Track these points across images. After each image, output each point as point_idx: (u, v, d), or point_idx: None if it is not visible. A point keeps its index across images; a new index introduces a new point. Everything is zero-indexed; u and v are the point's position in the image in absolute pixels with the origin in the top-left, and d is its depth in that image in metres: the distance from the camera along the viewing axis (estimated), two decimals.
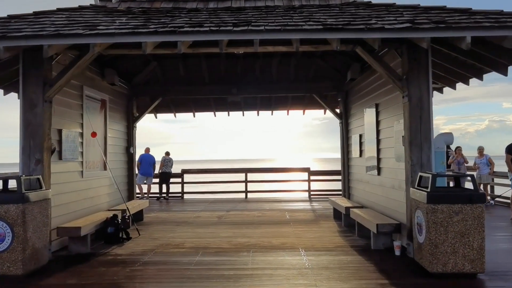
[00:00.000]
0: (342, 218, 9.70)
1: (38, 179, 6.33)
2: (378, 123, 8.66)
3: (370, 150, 9.19)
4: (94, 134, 8.71)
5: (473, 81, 10.09)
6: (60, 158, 7.55)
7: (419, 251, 5.86)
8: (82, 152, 8.53)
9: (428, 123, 6.49)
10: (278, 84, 11.63)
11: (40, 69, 6.64)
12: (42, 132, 6.66)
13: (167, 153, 16.96)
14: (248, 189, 16.79)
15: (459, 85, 10.39)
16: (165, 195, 16.52)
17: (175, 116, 13.55)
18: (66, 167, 7.82)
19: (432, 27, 5.38)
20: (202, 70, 11.35)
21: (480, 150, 13.25)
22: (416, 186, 6.11)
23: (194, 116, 13.54)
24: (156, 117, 13.56)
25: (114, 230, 8.03)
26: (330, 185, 18.15)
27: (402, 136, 6.97)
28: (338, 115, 11.71)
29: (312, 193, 16.57)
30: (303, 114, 13.54)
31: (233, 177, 17.63)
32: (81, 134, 8.53)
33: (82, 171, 8.51)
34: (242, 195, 16.84)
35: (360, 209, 8.78)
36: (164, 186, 16.56)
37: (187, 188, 17.48)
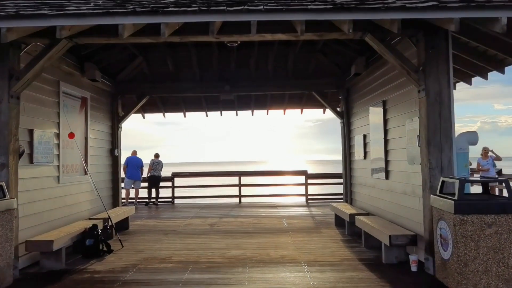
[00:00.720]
0: (346, 226, 8.90)
1: (1, 186, 5.45)
2: (385, 122, 7.88)
3: (377, 151, 8.41)
4: (71, 135, 7.84)
5: (461, 84, 9.39)
6: (31, 161, 6.67)
7: (443, 268, 5.05)
8: (58, 155, 7.65)
9: (449, 121, 5.71)
10: (274, 80, 10.81)
11: (5, 60, 5.77)
12: (8, 133, 5.79)
13: (156, 155, 16.07)
14: (242, 193, 15.96)
15: (461, 85, 9.69)
16: (154, 200, 15.63)
17: (164, 116, 12.68)
18: (38, 172, 6.94)
19: (462, 5, 4.58)
20: (193, 66, 10.51)
21: (485, 151, 12.55)
22: (438, 193, 5.31)
23: (184, 116, 12.69)
24: (143, 117, 12.68)
25: (93, 242, 7.15)
26: (328, 189, 17.39)
27: (418, 136, 6.18)
28: (339, 114, 10.92)
29: (309, 197, 15.77)
30: (301, 113, 12.73)
31: (226, 180, 16.79)
32: (57, 135, 7.65)
33: (58, 176, 7.63)
34: (236, 200, 15.99)
35: (367, 217, 7.98)
36: (153, 190, 15.68)
37: (177, 192, 16.59)
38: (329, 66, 10.48)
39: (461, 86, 7.67)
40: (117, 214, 9.13)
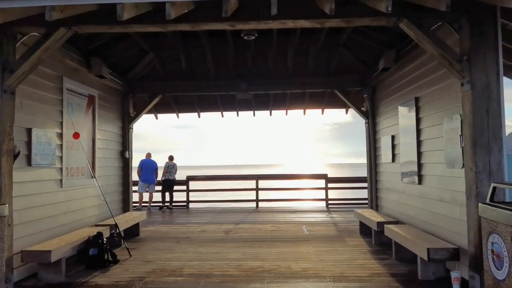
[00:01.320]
0: (373, 234, 8.15)
1: None
2: (418, 121, 7.12)
3: (407, 154, 7.65)
4: (76, 135, 7.28)
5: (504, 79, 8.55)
6: (28, 163, 6.12)
7: None
8: (61, 157, 7.10)
9: (498, 117, 4.94)
10: (294, 78, 10.12)
11: None
12: (1, 131, 5.23)
13: (171, 158, 15.51)
14: (259, 198, 15.27)
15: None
16: (168, 204, 15.07)
17: (177, 116, 12.08)
18: (37, 175, 6.38)
19: None
20: (207, 62, 9.89)
21: None
22: (488, 201, 4.55)
23: (199, 116, 12.07)
24: (156, 118, 12.11)
25: (97, 251, 6.56)
26: (350, 193, 16.62)
27: (460, 135, 5.43)
28: (363, 114, 10.16)
29: (330, 202, 15.01)
30: (322, 113, 11.99)
31: (242, 184, 16.10)
32: (60, 135, 7.10)
33: (61, 180, 7.07)
34: (253, 204, 15.31)
35: (397, 226, 7.22)
36: (167, 194, 15.13)
37: (192, 196, 16.00)
38: (353, 62, 9.75)
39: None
40: (126, 220, 8.55)
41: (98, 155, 8.60)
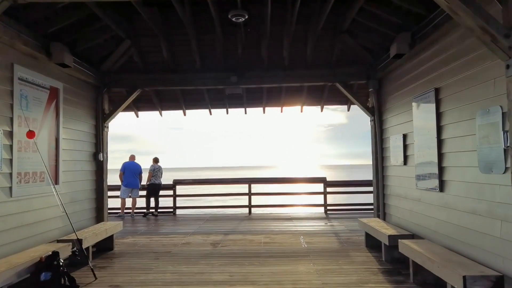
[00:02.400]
0: (383, 249, 7.00)
1: None
2: (439, 116, 5.98)
3: (424, 155, 6.50)
4: (31, 134, 6.09)
5: None
6: None
7: None
8: (11, 160, 5.88)
9: None
10: (291, 70, 8.94)
11: None
12: None
13: (156, 160, 14.31)
14: (252, 203, 14.07)
15: None
16: (153, 210, 13.85)
17: (160, 114, 10.86)
18: None
19: None
20: (192, 52, 8.71)
21: None
22: None
23: (184, 114, 10.84)
24: (137, 116, 10.88)
25: (51, 276, 5.35)
26: (350, 198, 15.49)
27: (505, 132, 4.28)
28: (368, 111, 9.00)
29: (329, 208, 13.85)
30: (321, 110, 10.80)
31: (234, 188, 14.90)
32: (10, 134, 5.88)
33: (10, 187, 5.84)
34: (245, 210, 14.13)
35: (414, 242, 6.07)
36: (152, 200, 13.91)
37: (179, 202, 14.78)
38: (357, 52, 8.59)
39: None
40: (95, 233, 7.34)
41: (63, 157, 7.38)
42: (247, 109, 10.79)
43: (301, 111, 10.75)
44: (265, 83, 9.15)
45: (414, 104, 6.87)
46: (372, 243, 7.96)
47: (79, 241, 6.29)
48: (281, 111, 10.87)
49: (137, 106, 10.72)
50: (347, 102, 10.61)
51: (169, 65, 9.01)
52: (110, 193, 14.60)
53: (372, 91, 8.83)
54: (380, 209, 8.77)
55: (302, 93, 10.24)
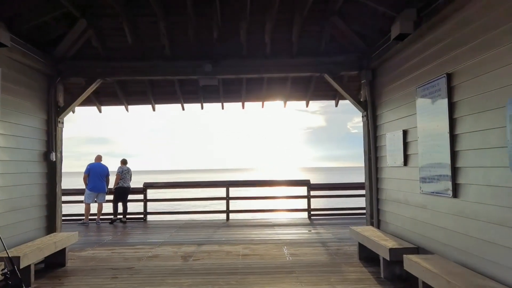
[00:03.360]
0: (381, 264, 5.99)
1: None
2: (452, 106, 4.99)
3: (431, 154, 5.51)
4: None
5: None
6: None
7: None
8: None
9: None
10: (273, 59, 7.88)
11: None
12: None
13: (124, 162, 13.08)
14: (231, 208, 12.94)
15: None
16: (121, 216, 12.60)
17: (126, 109, 9.64)
18: None
19: None
20: (161, 37, 7.58)
21: None
22: None
23: (153, 109, 9.66)
24: (100, 111, 9.63)
25: None
26: (335, 202, 14.52)
27: None
28: (360, 105, 7.99)
29: (313, 213, 12.83)
30: (307, 105, 9.72)
31: (210, 192, 13.76)
32: None
33: None
34: (223, 216, 13.00)
35: (423, 258, 5.05)
36: (120, 205, 12.66)
37: (151, 207, 13.54)
38: (348, 37, 7.59)
39: None
40: (40, 248, 6.13)
41: (2, 157, 6.14)
42: (224, 104, 9.66)
43: (285, 106, 9.67)
44: (244, 72, 8.04)
45: (418, 94, 5.87)
46: (366, 255, 6.96)
47: (11, 260, 5.05)
48: (262, 106, 9.76)
49: (100, 100, 9.48)
50: (335, 96, 9.58)
51: (134, 51, 7.85)
52: (73, 198, 13.43)
53: (365, 83, 7.83)
54: (374, 215, 7.75)
55: (286, 86, 9.14)
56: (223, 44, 7.85)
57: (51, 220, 7.64)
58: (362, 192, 13.12)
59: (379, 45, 7.02)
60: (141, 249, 8.39)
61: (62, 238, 6.98)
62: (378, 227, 7.63)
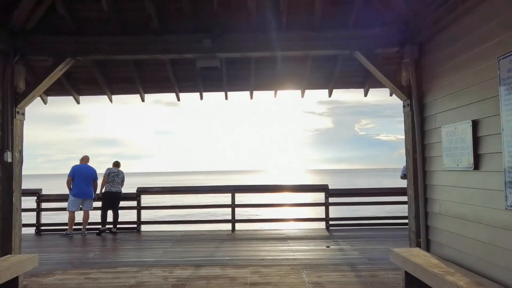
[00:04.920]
0: None
1: None
2: None
3: None
4: None
5: None
6: None
7: None
8: None
9: None
10: (290, 32, 6.14)
11: None
12: None
13: (116, 164, 11.42)
14: (237, 217, 11.20)
15: None
16: (111, 226, 10.93)
17: (110, 100, 7.89)
18: None
19: None
20: (146, 4, 5.88)
21: None
22: None
23: (142, 100, 7.92)
24: (78, 102, 7.91)
25: None
26: (355, 210, 12.75)
27: None
28: (402, 91, 6.21)
29: (331, 222, 11.08)
30: (329, 95, 7.87)
31: (213, 198, 12.03)
32: None
33: None
34: (228, 227, 11.29)
35: None
36: (110, 213, 10.99)
37: (146, 215, 11.83)
38: (387, 2, 5.83)
39: None
40: None
41: None
42: (229, 93, 7.89)
43: (302, 96, 7.86)
44: (252, 49, 6.26)
45: (502, 68, 4.11)
46: (415, 286, 5.20)
47: None
48: (275, 96, 7.97)
49: (77, 88, 7.77)
50: (364, 83, 7.76)
51: (112, 23, 6.15)
52: (55, 205, 11.80)
53: (408, 63, 6.05)
54: (422, 234, 5.96)
55: (304, 69, 7.30)
56: (226, 13, 6.13)
57: (5, 238, 5.95)
58: (391, 198, 11.47)
59: (433, 8, 5.27)
60: (124, 273, 6.69)
61: (16, 263, 5.31)
62: (427, 249, 5.85)
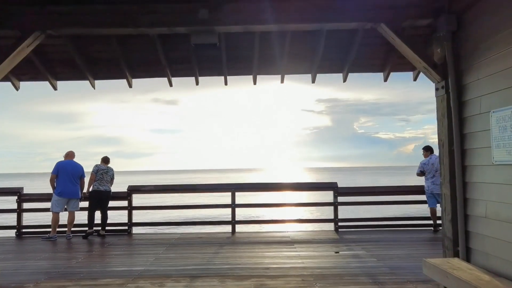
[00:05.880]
0: None
1: None
2: None
3: None
4: None
5: None
6: None
7: None
8: None
9: None
10: (302, 0, 5.14)
11: None
12: None
13: (105, 160, 10.41)
14: (237, 217, 10.20)
15: None
16: (99, 229, 9.93)
17: (92, 85, 6.84)
18: None
19: None
20: None
21: None
22: None
23: (130, 85, 6.89)
24: (55, 88, 6.88)
25: None
26: (365, 211, 11.78)
27: None
28: (436, 71, 5.22)
29: (340, 223, 10.09)
30: (344, 80, 6.81)
31: (212, 198, 11.03)
32: None
33: None
34: (227, 228, 10.31)
35: None
36: (98, 213, 9.99)
37: (138, 215, 10.81)
38: None
39: None
40: None
41: None
42: (229, 77, 6.87)
43: (313, 81, 6.85)
44: (256, 22, 5.24)
45: None
46: None
47: None
48: (282, 81, 6.92)
49: (54, 71, 6.74)
50: (385, 65, 6.73)
51: None
52: (38, 205, 10.80)
53: (444, 36, 5.05)
54: (460, 241, 4.97)
55: (317, 48, 6.25)
56: None
57: None
58: (408, 198, 10.50)
59: None
60: (106, 286, 5.71)
61: None
62: (468, 259, 4.87)
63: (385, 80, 6.85)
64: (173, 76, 6.81)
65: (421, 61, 5.27)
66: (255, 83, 6.88)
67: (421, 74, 6.14)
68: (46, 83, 6.78)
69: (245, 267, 6.65)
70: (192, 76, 6.81)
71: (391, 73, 6.84)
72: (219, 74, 6.84)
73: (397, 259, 6.96)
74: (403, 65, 6.17)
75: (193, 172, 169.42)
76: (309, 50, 6.39)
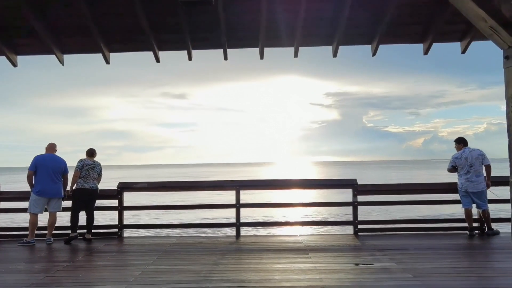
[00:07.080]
0: None
1: None
2: None
3: None
4: None
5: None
6: None
7: None
8: None
9: None
10: None
11: None
12: None
13: (90, 153, 9.15)
14: (242, 219, 8.94)
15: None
16: (84, 231, 8.70)
17: (61, 62, 5.51)
18: None
19: None
20: None
21: None
22: None
23: (107, 61, 5.56)
24: (15, 65, 5.60)
25: None
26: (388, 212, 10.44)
27: None
28: (508, 30, 3.86)
29: (360, 227, 8.78)
30: (373, 53, 5.31)
31: (214, 196, 9.77)
32: None
33: None
34: (231, 231, 9.06)
35: None
36: (82, 214, 8.74)
37: (129, 216, 9.57)
38: None
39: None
40: None
41: None
42: (230, 51, 5.52)
43: (334, 55, 5.48)
44: None
45: None
46: None
47: None
48: (295, 55, 5.56)
49: (13, 44, 5.45)
50: (426, 33, 5.35)
51: None
52: (16, 204, 9.61)
53: None
54: None
55: (342, 8, 4.90)
56: None
57: None
58: (440, 196, 9.16)
59: None
60: None
61: None
62: None
63: (425, 53, 5.46)
64: (161, 49, 5.48)
65: (487, 19, 3.90)
66: (262, 57, 5.50)
67: (472, 45, 4.77)
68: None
69: (250, 285, 5.36)
70: (184, 49, 5.48)
71: (433, 44, 5.44)
72: (217, 47, 5.49)
73: (439, 276, 5.63)
74: (450, 34, 4.82)
75: (199, 166, 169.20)
76: (331, 12, 5.00)
